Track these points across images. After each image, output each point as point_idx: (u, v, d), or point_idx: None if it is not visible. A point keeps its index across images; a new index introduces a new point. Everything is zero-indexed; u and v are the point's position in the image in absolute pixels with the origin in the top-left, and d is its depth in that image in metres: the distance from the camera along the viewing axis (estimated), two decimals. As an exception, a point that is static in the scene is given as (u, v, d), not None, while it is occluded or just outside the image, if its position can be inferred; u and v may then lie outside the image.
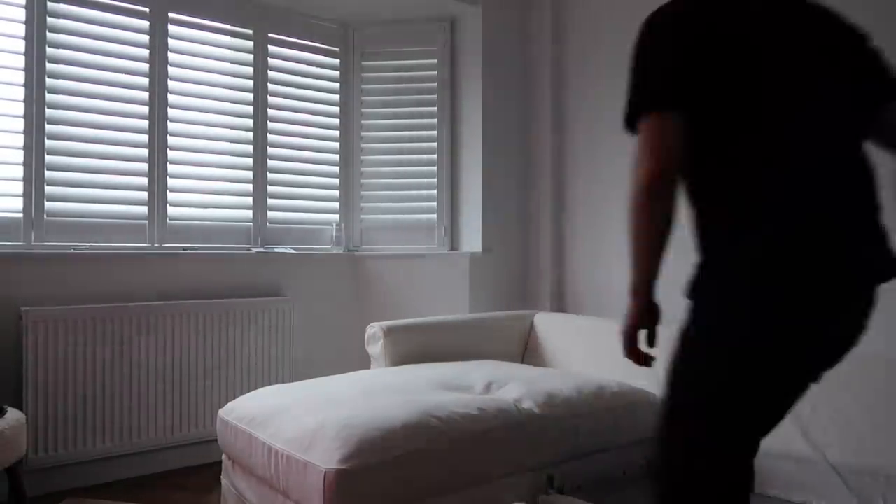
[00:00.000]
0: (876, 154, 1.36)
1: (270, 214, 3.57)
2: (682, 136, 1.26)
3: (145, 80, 3.18)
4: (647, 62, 1.33)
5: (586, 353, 2.99)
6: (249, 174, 3.51)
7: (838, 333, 1.32)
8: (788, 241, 1.21)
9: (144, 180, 3.19)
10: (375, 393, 2.24)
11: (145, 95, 3.18)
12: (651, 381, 2.55)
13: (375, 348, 2.93)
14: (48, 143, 2.95)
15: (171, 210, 3.26)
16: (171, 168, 3.25)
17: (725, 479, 1.31)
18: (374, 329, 2.94)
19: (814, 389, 2.03)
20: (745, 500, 1.34)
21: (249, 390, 2.81)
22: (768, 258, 1.22)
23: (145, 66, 3.18)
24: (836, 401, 2.05)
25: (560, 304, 3.71)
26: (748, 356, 1.26)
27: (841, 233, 1.24)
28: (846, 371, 2.05)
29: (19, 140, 2.89)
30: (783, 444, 2.09)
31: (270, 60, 3.58)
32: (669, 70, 1.29)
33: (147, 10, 3.19)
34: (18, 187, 2.89)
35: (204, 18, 3.36)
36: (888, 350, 2.25)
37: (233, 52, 3.48)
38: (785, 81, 1.27)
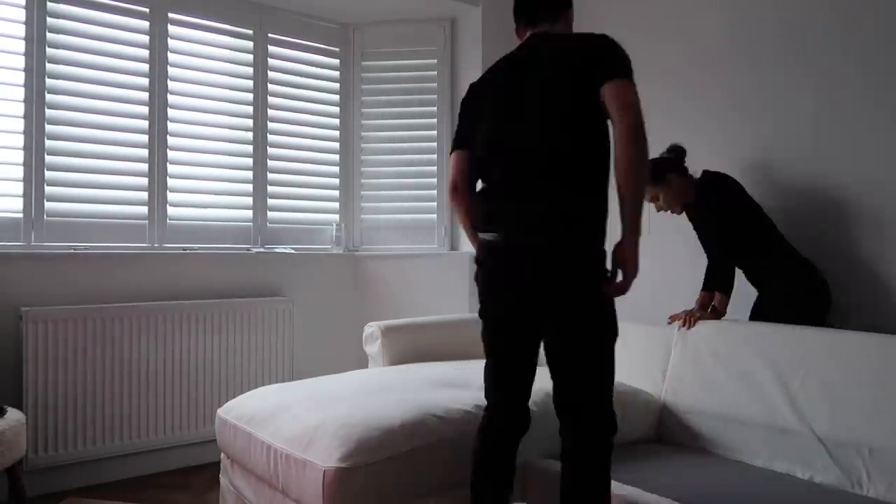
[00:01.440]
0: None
1: (270, 214, 3.58)
2: None
3: (145, 80, 3.19)
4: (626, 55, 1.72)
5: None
6: (249, 174, 3.51)
7: None
8: None
9: (144, 180, 3.19)
10: (374, 392, 2.24)
11: (145, 95, 3.19)
12: (648, 381, 2.56)
13: (373, 348, 2.92)
14: (48, 143, 2.96)
15: (171, 210, 3.26)
16: (171, 168, 3.25)
17: None
18: (371, 329, 2.94)
19: (804, 364, 2.14)
20: None
21: (249, 390, 2.81)
22: None
23: (145, 66, 3.19)
24: (826, 375, 2.10)
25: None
26: None
27: None
28: (838, 347, 2.11)
29: (19, 140, 2.90)
30: (769, 414, 2.16)
31: (270, 60, 3.58)
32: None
33: (147, 10, 3.19)
34: (18, 187, 2.90)
35: (204, 18, 3.37)
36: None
37: (233, 52, 3.48)
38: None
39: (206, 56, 3.39)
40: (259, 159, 3.53)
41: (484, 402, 1.87)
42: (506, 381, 1.82)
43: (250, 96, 3.51)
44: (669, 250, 3.20)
